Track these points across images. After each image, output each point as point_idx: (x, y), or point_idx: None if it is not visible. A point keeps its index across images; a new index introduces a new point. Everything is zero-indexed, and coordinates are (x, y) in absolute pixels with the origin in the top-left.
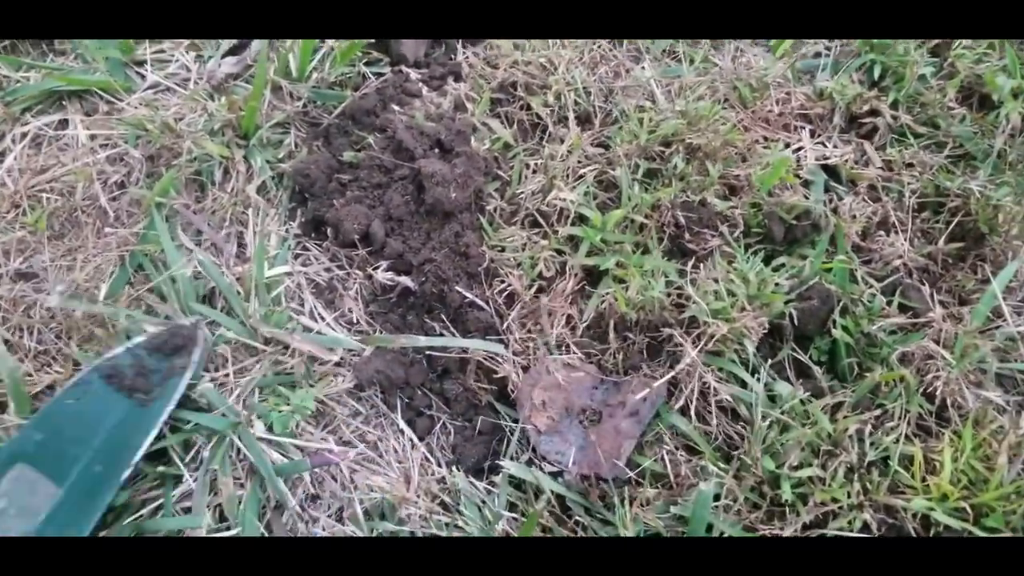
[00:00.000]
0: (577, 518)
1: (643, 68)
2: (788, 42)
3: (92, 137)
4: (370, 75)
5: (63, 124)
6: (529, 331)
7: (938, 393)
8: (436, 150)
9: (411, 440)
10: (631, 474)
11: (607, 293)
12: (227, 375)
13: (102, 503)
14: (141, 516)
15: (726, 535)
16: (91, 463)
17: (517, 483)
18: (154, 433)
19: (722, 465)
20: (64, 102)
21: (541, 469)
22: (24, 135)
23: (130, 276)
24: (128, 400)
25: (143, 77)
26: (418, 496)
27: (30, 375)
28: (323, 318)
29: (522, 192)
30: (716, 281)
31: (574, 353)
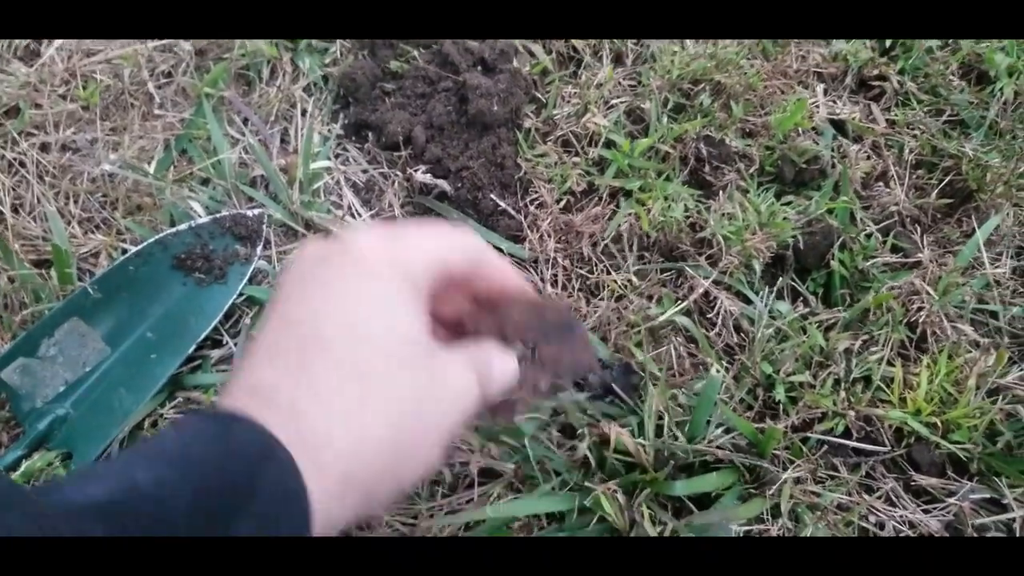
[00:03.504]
0: (588, 413)
1: None
2: None
3: None
4: None
5: None
6: (558, 242)
7: (920, 323)
8: (479, 67)
9: None
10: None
11: (630, 213)
12: (269, 255)
13: (155, 378)
14: (181, 372)
15: (723, 426)
16: (145, 332)
17: None
18: (216, 319)
19: (725, 364)
20: None
21: None
22: None
23: (174, 159)
24: (186, 278)
25: None
26: None
27: (75, 237)
28: (360, 214)
29: (558, 114)
30: (730, 210)
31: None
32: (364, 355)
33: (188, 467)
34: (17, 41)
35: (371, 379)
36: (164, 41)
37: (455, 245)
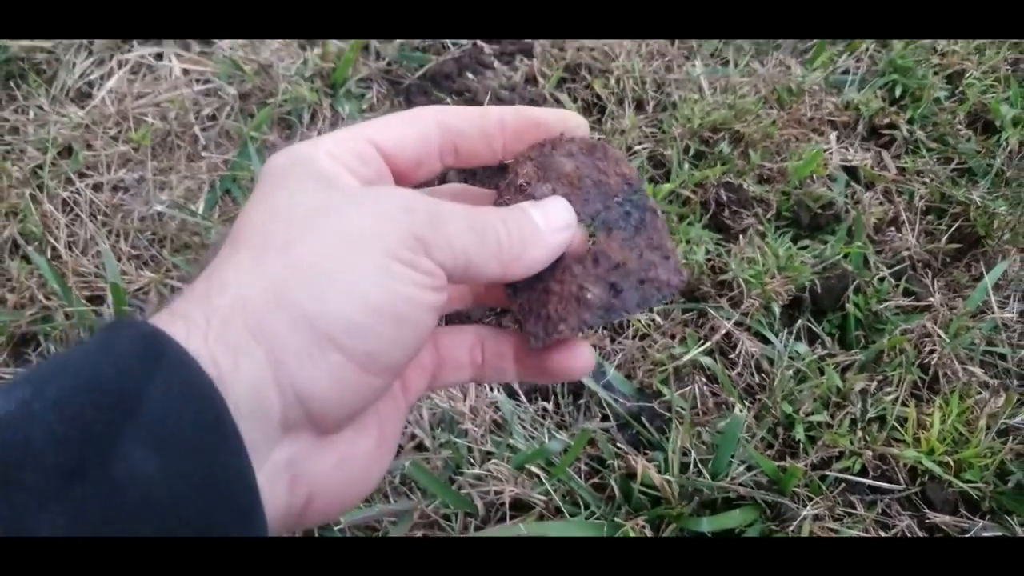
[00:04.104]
0: (618, 445)
1: (694, 65)
2: (824, 54)
3: (185, 72)
4: (450, 44)
5: (158, 57)
6: None
7: (932, 365)
8: None
9: None
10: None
11: None
12: None
13: None
14: None
15: (745, 464)
16: None
17: (570, 412)
18: None
19: (747, 403)
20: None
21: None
22: (126, 62)
23: (218, 199)
24: None
25: None
26: (474, 414)
27: (126, 273)
28: None
29: None
30: (751, 254)
31: None
32: (258, 230)
33: (55, 385)
34: (70, 83)
35: (263, 245)
36: (207, 86)
37: (379, 125)
